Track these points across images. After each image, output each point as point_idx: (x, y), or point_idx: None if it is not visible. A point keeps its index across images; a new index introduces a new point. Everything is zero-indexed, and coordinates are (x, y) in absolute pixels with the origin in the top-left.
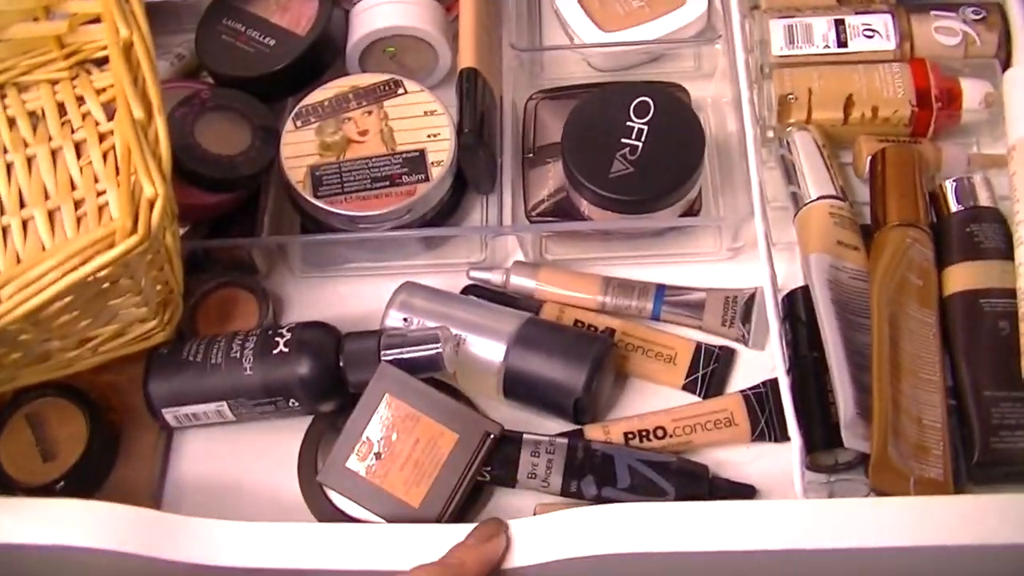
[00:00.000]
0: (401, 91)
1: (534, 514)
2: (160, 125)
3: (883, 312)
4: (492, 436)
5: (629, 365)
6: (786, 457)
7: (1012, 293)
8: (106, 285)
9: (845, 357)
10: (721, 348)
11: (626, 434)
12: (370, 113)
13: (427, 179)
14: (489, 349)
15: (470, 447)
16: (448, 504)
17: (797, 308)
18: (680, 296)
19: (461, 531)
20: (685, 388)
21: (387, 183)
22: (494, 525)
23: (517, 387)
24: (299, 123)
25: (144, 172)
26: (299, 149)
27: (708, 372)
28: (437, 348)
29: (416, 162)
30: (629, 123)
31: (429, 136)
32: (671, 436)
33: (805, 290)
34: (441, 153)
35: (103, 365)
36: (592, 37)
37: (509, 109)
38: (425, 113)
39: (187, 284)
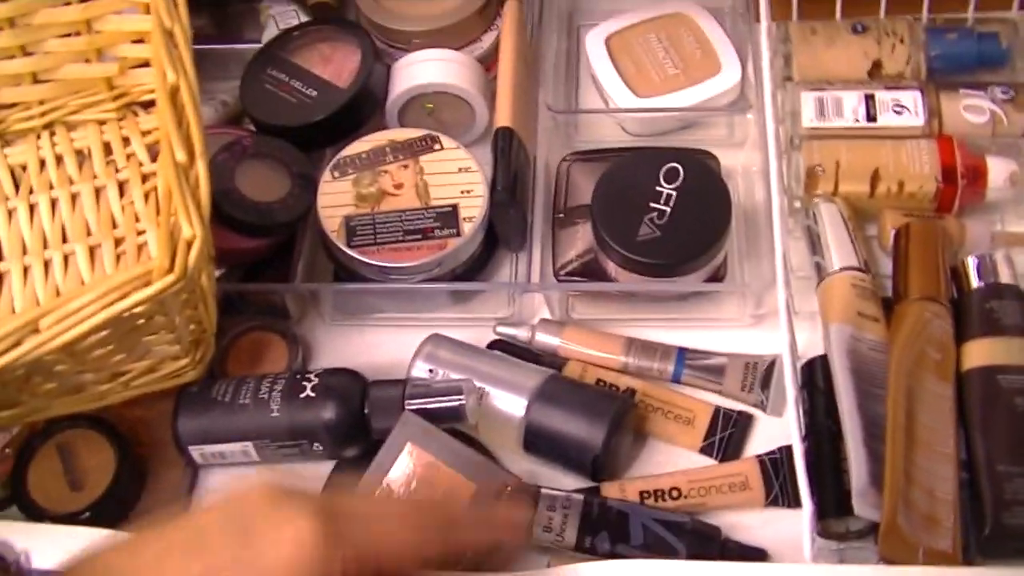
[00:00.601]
0: (437, 147)
1: (547, 567)
2: (201, 168)
3: (900, 384)
4: (509, 488)
5: (648, 425)
6: (798, 523)
7: None
8: (141, 321)
9: (861, 427)
10: (739, 413)
11: (641, 492)
12: (406, 167)
13: (459, 234)
14: (511, 403)
15: (488, 498)
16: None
17: (816, 376)
18: (701, 360)
19: None
20: (702, 451)
21: (419, 236)
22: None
23: (537, 441)
24: (337, 173)
25: (184, 213)
26: (336, 199)
27: (726, 436)
28: (460, 400)
29: (448, 217)
30: (659, 188)
31: (463, 192)
32: (686, 497)
33: (824, 359)
34: (473, 209)
35: (133, 400)
36: (627, 102)
37: (542, 169)
38: (460, 170)
39: (220, 325)
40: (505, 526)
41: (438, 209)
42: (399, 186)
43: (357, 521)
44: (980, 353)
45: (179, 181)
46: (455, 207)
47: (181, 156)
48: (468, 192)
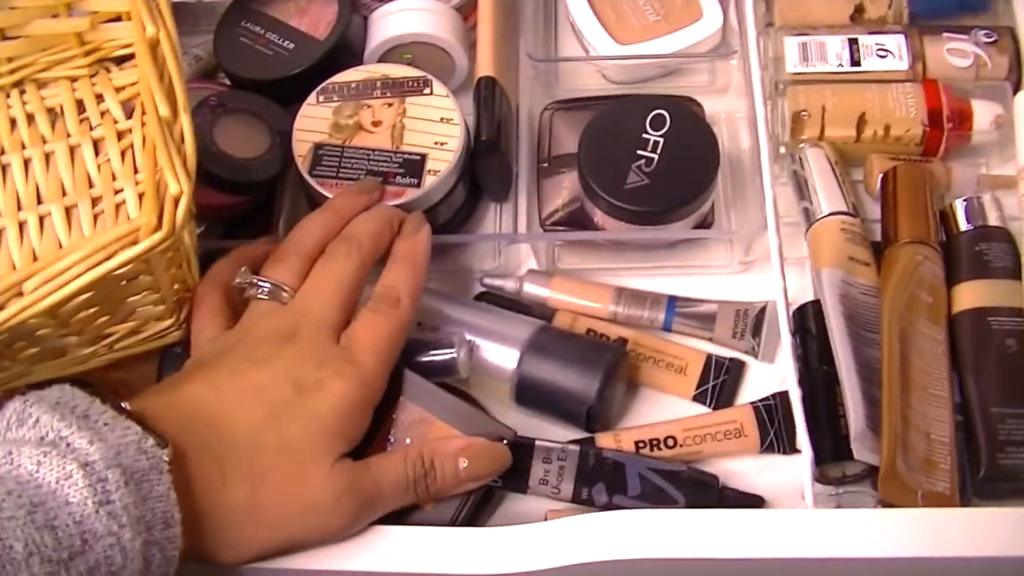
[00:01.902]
0: (427, 91)
1: (545, 519)
2: (186, 123)
3: (893, 328)
4: (505, 441)
5: (640, 375)
6: (793, 469)
7: (1020, 312)
8: (126, 282)
9: (856, 371)
10: (731, 360)
11: (637, 443)
12: (390, 105)
13: (418, 186)
14: (502, 355)
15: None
16: (460, 509)
17: (808, 322)
18: (691, 308)
19: (476, 535)
20: (695, 399)
21: (380, 179)
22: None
23: (529, 394)
24: (322, 98)
25: (170, 169)
26: (313, 124)
27: (719, 383)
28: (452, 353)
29: (414, 166)
30: (645, 135)
31: (436, 143)
32: (681, 446)
33: (816, 304)
34: (441, 163)
35: (115, 363)
36: (608, 49)
37: (525, 119)
38: (441, 119)
39: None
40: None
41: (406, 155)
42: (377, 123)
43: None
44: (971, 296)
45: (164, 136)
46: (423, 157)
47: (165, 111)
48: (442, 144)
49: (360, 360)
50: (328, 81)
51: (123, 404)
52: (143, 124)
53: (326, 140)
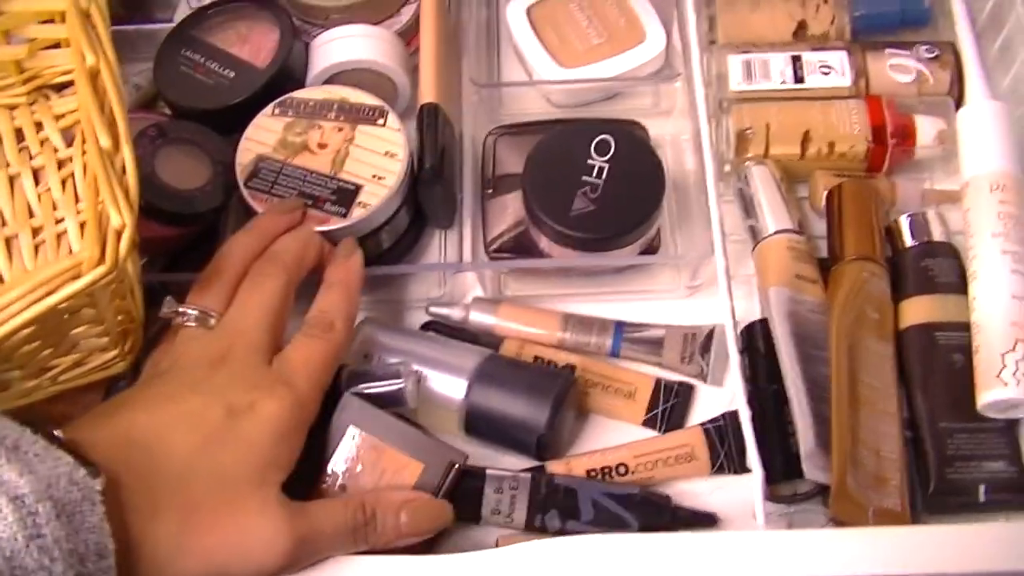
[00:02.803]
0: (381, 122)
1: (496, 546)
2: (127, 154)
3: (842, 345)
4: (457, 465)
5: (590, 401)
6: (745, 488)
7: (966, 327)
8: (68, 315)
9: (805, 389)
10: (680, 384)
11: (589, 471)
12: (340, 130)
13: (344, 216)
14: (450, 385)
15: (435, 476)
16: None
17: (756, 341)
18: (639, 333)
19: (426, 563)
20: (646, 424)
21: (309, 203)
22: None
23: (479, 423)
24: (277, 111)
25: (112, 201)
26: (262, 135)
27: (668, 408)
28: (399, 384)
29: (346, 195)
30: (590, 161)
31: (374, 176)
32: (633, 472)
33: (763, 323)
34: (373, 197)
35: (57, 396)
36: (551, 73)
37: (468, 144)
38: (385, 153)
39: (144, 316)
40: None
41: (341, 183)
42: (322, 146)
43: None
44: (917, 311)
45: (104, 168)
46: (358, 188)
47: (105, 142)
48: (379, 178)
49: (293, 382)
50: (287, 95)
51: (56, 432)
52: (84, 153)
53: (269, 154)
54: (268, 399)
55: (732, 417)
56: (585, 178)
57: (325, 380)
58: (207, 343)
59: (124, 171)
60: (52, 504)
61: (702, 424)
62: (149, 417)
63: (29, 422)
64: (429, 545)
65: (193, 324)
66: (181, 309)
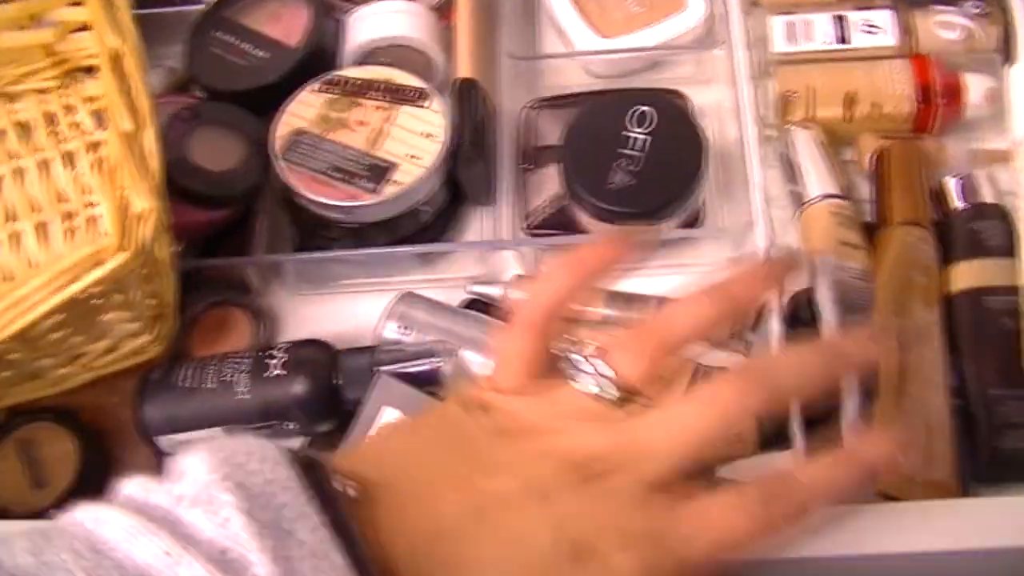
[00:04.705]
0: (424, 103)
1: None
2: (151, 137)
3: (888, 312)
4: None
5: None
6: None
7: (1015, 291)
8: (96, 301)
9: None
10: (721, 369)
11: None
12: (381, 109)
13: (374, 192)
14: (487, 366)
15: None
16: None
17: (801, 311)
18: None
19: None
20: None
21: (342, 178)
22: None
23: None
24: (324, 87)
25: (134, 186)
26: (303, 110)
27: None
28: (436, 362)
29: (378, 172)
30: (628, 133)
31: (409, 155)
32: None
33: (808, 292)
34: (407, 176)
35: (92, 385)
36: (590, 44)
37: (506, 119)
38: (423, 134)
39: (180, 303)
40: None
41: (375, 160)
42: (362, 124)
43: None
44: (966, 276)
45: (127, 152)
46: (391, 166)
47: (128, 125)
48: (414, 157)
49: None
50: (336, 73)
51: (347, 507)
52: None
53: (308, 128)
54: (627, 553)
55: None
56: (623, 151)
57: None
58: (596, 436)
59: (148, 154)
60: None
61: None
62: (465, 521)
63: (319, 482)
64: None
65: (594, 388)
66: (588, 361)
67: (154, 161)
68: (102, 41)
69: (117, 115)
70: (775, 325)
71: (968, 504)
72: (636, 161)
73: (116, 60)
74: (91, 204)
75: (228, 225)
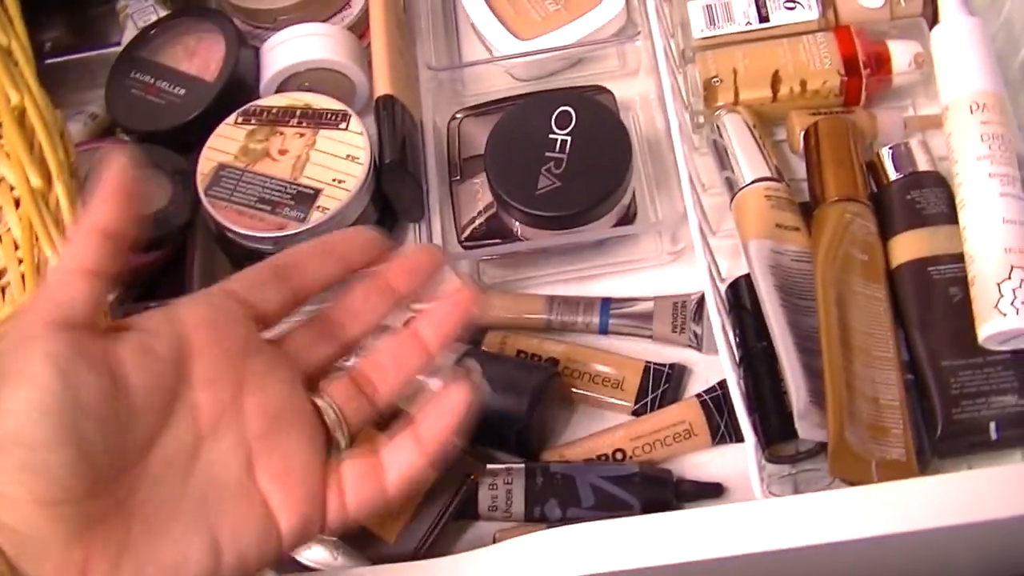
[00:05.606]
0: (343, 126)
1: (493, 541)
2: (61, 191)
3: (829, 292)
4: (471, 477)
5: (576, 394)
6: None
7: (960, 258)
8: None
9: (793, 344)
10: (671, 366)
11: (585, 461)
12: (301, 135)
13: (303, 220)
14: (428, 383)
15: (450, 487)
16: (424, 541)
17: (742, 297)
18: (626, 308)
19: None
20: (635, 413)
21: (269, 208)
22: None
23: None
24: (240, 119)
25: (47, 241)
26: (224, 144)
27: (658, 394)
28: None
29: (305, 199)
30: (552, 135)
31: (334, 180)
32: (632, 457)
33: (748, 278)
34: (333, 201)
35: None
36: (510, 48)
37: (431, 132)
38: (347, 156)
39: None
40: None
41: (300, 188)
42: (283, 152)
43: None
44: (908, 247)
45: (38, 209)
46: (317, 192)
47: (36, 182)
48: (339, 182)
49: None
50: (253, 103)
51: None
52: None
53: (230, 162)
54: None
55: (726, 385)
56: (548, 154)
57: None
58: None
59: (60, 208)
60: None
61: (698, 396)
62: None
63: None
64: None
65: None
66: None
67: (65, 215)
68: (4, 98)
69: (25, 172)
70: (713, 317)
71: (921, 483)
72: (560, 163)
73: (20, 116)
74: (22, 260)
75: (164, 265)
